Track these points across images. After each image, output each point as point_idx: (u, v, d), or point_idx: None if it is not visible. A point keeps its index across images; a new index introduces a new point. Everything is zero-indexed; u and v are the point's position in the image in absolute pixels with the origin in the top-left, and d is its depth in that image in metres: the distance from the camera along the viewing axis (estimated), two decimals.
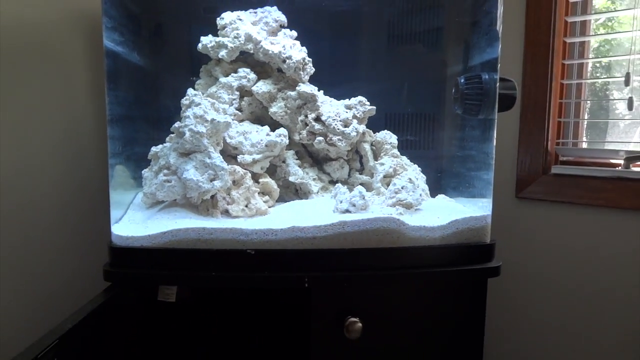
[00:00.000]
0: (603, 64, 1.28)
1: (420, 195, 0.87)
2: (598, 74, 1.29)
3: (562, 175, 1.24)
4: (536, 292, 1.27)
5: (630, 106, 1.14)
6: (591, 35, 1.24)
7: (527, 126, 1.27)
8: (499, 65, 0.82)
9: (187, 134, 0.81)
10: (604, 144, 1.27)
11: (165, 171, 0.84)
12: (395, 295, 0.80)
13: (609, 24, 1.28)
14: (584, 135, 1.29)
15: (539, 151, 1.26)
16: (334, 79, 0.99)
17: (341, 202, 0.83)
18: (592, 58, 1.26)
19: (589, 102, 1.27)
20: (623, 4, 1.22)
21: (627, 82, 1.15)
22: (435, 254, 0.79)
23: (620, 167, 1.17)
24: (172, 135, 0.86)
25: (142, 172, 0.89)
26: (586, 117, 1.27)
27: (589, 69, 1.26)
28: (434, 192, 0.98)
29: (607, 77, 1.27)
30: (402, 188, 0.85)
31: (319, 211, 0.85)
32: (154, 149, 0.89)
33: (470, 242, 0.81)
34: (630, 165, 1.15)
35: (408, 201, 0.83)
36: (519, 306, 1.30)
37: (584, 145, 1.28)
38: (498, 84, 0.83)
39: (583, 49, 1.26)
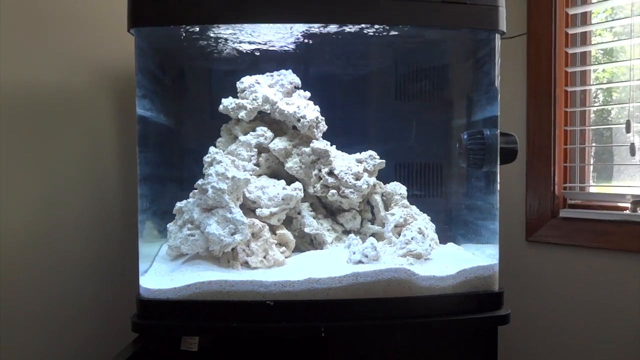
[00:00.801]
0: (606, 94, 1.33)
1: (430, 244, 0.91)
2: (600, 102, 1.33)
3: (570, 219, 1.27)
4: (547, 336, 1.28)
5: (632, 152, 1.18)
6: (592, 84, 1.30)
7: (534, 172, 1.31)
8: (499, 121, 0.88)
9: (210, 190, 0.87)
10: (610, 188, 1.30)
11: (189, 225, 0.90)
12: (408, 343, 0.84)
13: (608, 70, 1.34)
14: (591, 178, 1.32)
15: (547, 196, 1.30)
16: (346, 133, 1.06)
17: (354, 253, 0.88)
18: (594, 105, 1.31)
19: (593, 146, 1.32)
20: (621, 54, 1.28)
21: (628, 129, 1.19)
22: (445, 302, 0.83)
23: (627, 210, 1.20)
24: (195, 191, 0.93)
25: (167, 225, 0.95)
26: (592, 162, 1.31)
27: (592, 115, 1.31)
28: (444, 239, 1.02)
29: (610, 125, 1.32)
30: (412, 239, 0.89)
31: (333, 262, 0.89)
32: (178, 204, 0.95)
33: (479, 290, 0.85)
34: (638, 209, 1.18)
35: (418, 252, 0.88)
36: (530, 351, 1.31)
37: (592, 189, 1.31)
38: (499, 138, 0.89)
39: (585, 97, 1.31)
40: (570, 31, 1.29)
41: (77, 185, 1.04)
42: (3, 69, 0.93)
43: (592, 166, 1.31)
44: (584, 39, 1.30)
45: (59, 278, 1.01)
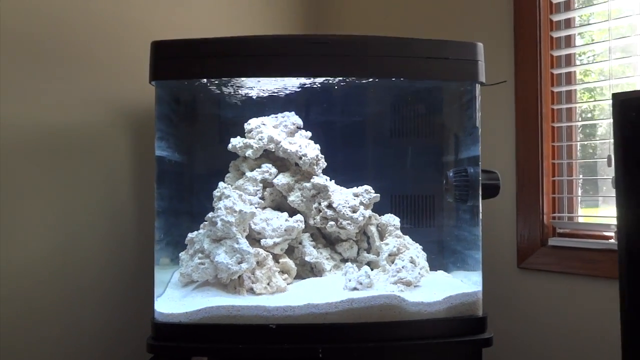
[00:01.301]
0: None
1: (420, 272, 0.99)
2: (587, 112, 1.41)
3: (559, 247, 1.34)
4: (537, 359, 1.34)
5: (614, 184, 1.26)
6: (577, 121, 1.38)
7: (524, 202, 1.39)
8: (480, 160, 0.97)
9: (219, 223, 0.97)
10: (597, 218, 1.37)
11: (200, 255, 0.99)
12: None
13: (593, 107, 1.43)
14: (579, 208, 1.40)
15: (536, 225, 1.37)
16: (344, 169, 1.15)
17: (350, 280, 0.96)
18: (580, 141, 1.39)
19: (580, 179, 1.40)
20: (601, 95, 1.37)
21: (609, 163, 1.27)
22: (433, 326, 0.91)
23: (612, 240, 1.27)
24: (205, 223, 1.02)
25: (180, 254, 1.04)
26: (580, 192, 1.39)
27: (578, 147, 1.39)
28: (436, 267, 1.10)
29: (595, 159, 1.40)
30: (402, 267, 0.97)
31: (331, 288, 0.98)
32: (190, 235, 1.04)
33: (464, 315, 0.93)
34: None
35: (408, 279, 0.96)
36: None
37: (580, 219, 1.38)
38: (482, 175, 0.98)
39: (571, 132, 1.40)
40: (555, 72, 1.38)
41: (95, 218, 1.14)
42: (29, 108, 1.04)
43: (580, 198, 1.39)
44: (569, 78, 1.39)
45: (79, 304, 1.10)
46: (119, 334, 1.15)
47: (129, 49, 1.14)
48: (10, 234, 1.00)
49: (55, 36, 1.07)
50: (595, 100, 1.39)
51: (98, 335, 1.12)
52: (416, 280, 0.97)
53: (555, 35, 1.36)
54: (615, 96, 0.82)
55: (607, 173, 1.35)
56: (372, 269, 1.06)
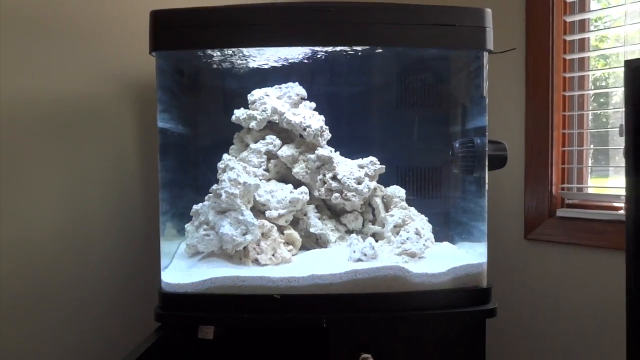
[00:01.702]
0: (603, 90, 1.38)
1: (424, 244, 0.99)
2: (599, 103, 1.38)
3: (567, 218, 1.33)
4: (543, 330, 1.35)
5: (621, 133, 1.23)
6: (590, 89, 1.35)
7: (532, 173, 1.37)
8: (487, 131, 0.95)
9: (224, 195, 0.97)
10: (606, 189, 1.35)
11: (205, 226, 1.00)
12: (403, 334, 0.92)
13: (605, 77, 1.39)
14: (589, 179, 1.38)
15: (544, 196, 1.36)
16: (349, 140, 1.14)
17: (354, 252, 0.96)
18: (592, 110, 1.36)
19: (590, 149, 1.37)
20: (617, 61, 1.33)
21: (621, 133, 1.24)
22: (437, 297, 0.91)
23: (622, 211, 1.25)
24: (210, 195, 1.02)
25: (185, 226, 1.05)
26: (590, 163, 1.36)
27: (590, 115, 1.36)
28: (441, 238, 1.10)
29: (607, 129, 1.37)
30: (407, 239, 0.97)
31: (335, 260, 0.98)
32: (195, 206, 1.04)
33: (468, 286, 0.93)
34: None
35: (412, 251, 0.96)
36: (526, 346, 1.38)
37: (589, 190, 1.36)
38: (489, 146, 0.96)
39: (582, 101, 1.36)
40: (568, 38, 1.34)
41: (103, 188, 1.14)
42: (33, 82, 1.03)
43: (590, 168, 1.37)
44: (582, 45, 1.35)
45: (88, 277, 1.12)
46: (129, 305, 1.17)
47: (134, 18, 1.12)
48: (17, 209, 1.01)
49: (57, 7, 1.05)
50: (608, 68, 1.35)
51: (108, 308, 1.15)
52: (421, 251, 0.97)
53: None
54: (627, 63, 0.79)
55: (619, 143, 1.32)
56: (377, 241, 1.06)
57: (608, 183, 1.37)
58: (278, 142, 1.10)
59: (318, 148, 1.08)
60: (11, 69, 0.99)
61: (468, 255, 1.02)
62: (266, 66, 1.09)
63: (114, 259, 1.16)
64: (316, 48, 0.95)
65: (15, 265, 1.01)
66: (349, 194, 1.06)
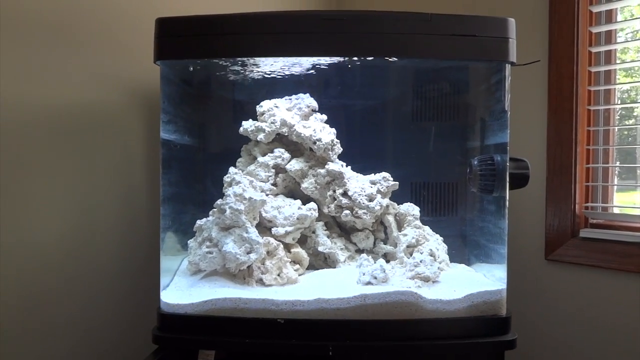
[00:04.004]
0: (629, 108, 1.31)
1: (439, 267, 0.93)
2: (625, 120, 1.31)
3: (590, 239, 1.26)
4: (562, 353, 1.28)
5: None
6: (615, 104, 1.28)
7: (554, 191, 1.31)
8: (508, 148, 0.89)
9: (228, 211, 0.92)
10: (634, 210, 1.28)
11: (208, 243, 0.95)
12: None
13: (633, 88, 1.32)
14: (614, 198, 1.30)
15: (567, 215, 1.29)
16: (362, 155, 1.09)
17: (364, 274, 0.91)
18: (618, 125, 1.29)
19: (617, 166, 1.30)
20: None
21: None
22: (451, 326, 0.85)
23: None
24: (214, 210, 0.98)
25: (188, 242, 1.01)
26: (615, 181, 1.29)
27: (616, 131, 1.29)
28: (457, 259, 1.04)
29: (633, 146, 1.29)
30: (420, 262, 0.91)
31: (344, 282, 0.93)
32: (199, 222, 1.00)
33: (486, 315, 0.86)
34: None
35: (426, 275, 0.90)
36: None
37: (615, 209, 1.29)
38: (510, 164, 0.90)
39: (608, 115, 1.29)
40: (594, 50, 1.27)
41: (108, 199, 1.11)
42: (41, 88, 1.00)
43: (615, 187, 1.29)
44: (608, 57, 1.28)
45: (88, 285, 1.08)
46: (130, 318, 1.13)
47: (144, 26, 1.09)
48: (22, 215, 0.98)
49: (66, 12, 1.03)
50: (636, 82, 1.28)
51: (109, 317, 1.11)
52: (435, 275, 0.91)
53: (594, 10, 1.25)
54: None
55: None
56: (388, 261, 1.01)
57: (635, 203, 1.29)
58: (287, 155, 1.06)
59: (328, 162, 1.03)
60: (18, 76, 0.97)
61: (486, 279, 0.96)
62: (276, 77, 1.04)
63: (116, 270, 1.12)
64: (328, 59, 0.91)
65: (16, 272, 0.97)
66: (360, 212, 1.01)
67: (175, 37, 0.86)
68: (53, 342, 1.03)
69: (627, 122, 1.31)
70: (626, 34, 1.30)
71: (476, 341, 0.84)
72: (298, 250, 1.00)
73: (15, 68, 0.96)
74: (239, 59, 0.94)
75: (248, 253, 0.91)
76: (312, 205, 1.01)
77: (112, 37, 1.10)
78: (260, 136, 1.04)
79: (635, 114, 1.29)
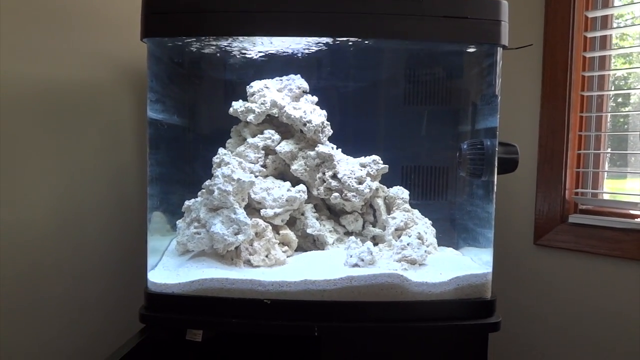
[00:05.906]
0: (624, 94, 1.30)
1: (426, 250, 0.93)
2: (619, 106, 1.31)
3: (579, 225, 1.27)
4: (548, 338, 1.29)
5: None
6: (609, 90, 1.27)
7: (544, 176, 1.31)
8: (497, 132, 0.89)
9: (216, 192, 0.92)
10: (623, 196, 1.28)
11: (196, 224, 0.95)
12: (398, 346, 0.87)
13: (627, 75, 1.31)
14: (604, 184, 1.31)
15: (557, 200, 1.30)
16: (352, 137, 1.08)
17: (351, 256, 0.91)
18: (610, 112, 1.29)
19: (608, 152, 1.30)
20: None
21: None
22: (437, 308, 0.85)
23: (639, 219, 1.18)
24: (203, 190, 0.97)
25: (177, 222, 1.00)
26: (606, 167, 1.29)
27: (609, 118, 1.29)
28: (445, 243, 1.05)
29: (625, 132, 1.29)
30: (407, 245, 0.92)
31: (331, 263, 0.93)
32: (187, 202, 1.00)
33: (470, 298, 0.87)
34: None
35: (412, 257, 0.90)
36: (533, 352, 1.33)
37: (605, 196, 1.29)
38: (499, 148, 0.90)
39: (601, 102, 1.29)
40: (589, 35, 1.26)
41: (97, 177, 1.10)
42: (28, 65, 0.99)
43: (606, 173, 1.30)
44: (603, 42, 1.27)
45: (76, 264, 1.07)
46: (118, 297, 1.14)
47: (132, 2, 1.07)
48: (11, 191, 0.97)
49: None
50: (632, 68, 1.27)
51: (97, 295, 1.11)
52: (422, 258, 0.91)
53: None
54: None
55: (639, 147, 1.25)
56: (377, 244, 1.01)
57: (625, 189, 1.30)
58: (277, 137, 1.05)
59: (318, 145, 1.02)
60: (4, 54, 0.95)
61: (473, 262, 0.97)
62: (266, 57, 1.03)
63: (106, 247, 1.12)
64: (318, 39, 0.89)
65: (6, 248, 0.97)
66: (349, 194, 1.00)
67: (163, 14, 0.84)
68: (40, 320, 1.03)
69: (623, 110, 1.31)
70: (625, 20, 1.29)
71: (461, 323, 0.85)
72: (287, 232, 1.00)
73: (1, 46, 0.94)
74: (228, 38, 0.92)
75: (236, 234, 0.91)
76: (302, 187, 1.01)
77: (99, 14, 1.08)
78: (250, 117, 1.03)
79: (632, 101, 1.29)
